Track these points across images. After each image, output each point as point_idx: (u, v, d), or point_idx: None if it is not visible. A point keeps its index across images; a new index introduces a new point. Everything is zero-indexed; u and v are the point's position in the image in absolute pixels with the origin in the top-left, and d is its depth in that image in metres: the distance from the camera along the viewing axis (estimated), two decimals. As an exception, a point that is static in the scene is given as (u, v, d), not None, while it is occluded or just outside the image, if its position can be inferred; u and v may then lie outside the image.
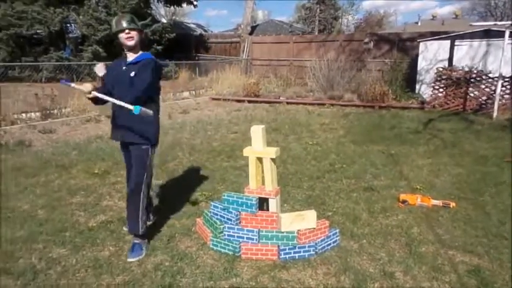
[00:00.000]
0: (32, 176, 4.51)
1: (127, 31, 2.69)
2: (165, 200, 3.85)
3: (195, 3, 20.03)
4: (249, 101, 11.10)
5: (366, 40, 14.19)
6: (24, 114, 8.01)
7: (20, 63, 12.74)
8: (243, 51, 17.25)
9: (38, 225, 3.24)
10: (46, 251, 2.83)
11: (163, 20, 22.95)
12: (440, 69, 9.91)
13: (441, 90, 9.80)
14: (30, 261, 2.69)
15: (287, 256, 2.73)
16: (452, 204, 3.61)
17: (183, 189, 4.15)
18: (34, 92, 8.66)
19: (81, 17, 15.28)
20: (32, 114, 8.13)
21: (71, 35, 16.95)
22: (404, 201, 3.67)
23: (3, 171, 4.71)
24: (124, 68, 2.76)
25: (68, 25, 16.53)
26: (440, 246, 2.91)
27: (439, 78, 9.85)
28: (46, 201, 3.78)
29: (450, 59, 10.37)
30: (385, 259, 2.75)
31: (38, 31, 14.91)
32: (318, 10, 27.89)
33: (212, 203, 3.07)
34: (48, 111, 8.15)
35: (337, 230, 3.00)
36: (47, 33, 14.88)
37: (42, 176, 4.51)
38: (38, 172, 4.66)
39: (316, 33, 23.97)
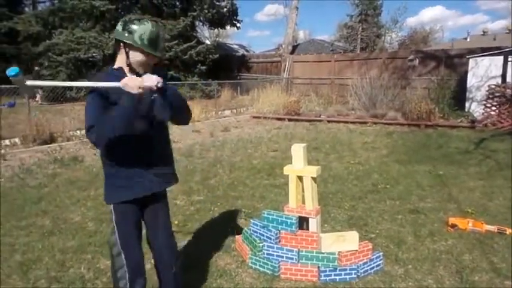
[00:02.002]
0: (83, 190, 4.79)
1: (156, 61, 1.94)
2: (205, 217, 3.91)
3: (238, 25, 20.70)
4: (290, 120, 11.13)
5: (411, 57, 13.82)
6: (78, 131, 8.58)
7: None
8: (284, 70, 17.44)
9: (87, 237, 3.41)
10: (94, 262, 2.97)
11: (208, 42, 23.85)
12: (493, 86, 9.40)
13: (494, 108, 9.26)
14: (80, 271, 2.83)
15: (327, 278, 2.66)
16: (509, 230, 3.34)
17: (222, 206, 4.20)
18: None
19: (132, 40, 16.34)
20: (85, 131, 8.70)
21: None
22: (454, 226, 3.46)
23: (58, 184, 5.05)
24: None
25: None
26: (495, 276, 2.69)
27: (491, 96, 9.33)
28: (95, 213, 3.98)
29: (503, 76, 9.80)
30: (433, 286, 2.59)
31: (93, 54, 16.15)
32: (360, 28, 27.68)
33: (252, 221, 3.08)
34: (99, 129, 8.67)
35: (381, 253, 2.88)
36: (102, 56, 16.05)
37: (92, 190, 4.77)
38: (88, 186, 4.94)
39: (358, 52, 23.72)
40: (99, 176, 5.41)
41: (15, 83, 1.75)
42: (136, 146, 1.91)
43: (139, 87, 1.71)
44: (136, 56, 1.86)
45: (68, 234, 3.48)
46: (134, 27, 1.82)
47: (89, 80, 1.98)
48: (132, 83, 1.71)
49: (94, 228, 3.60)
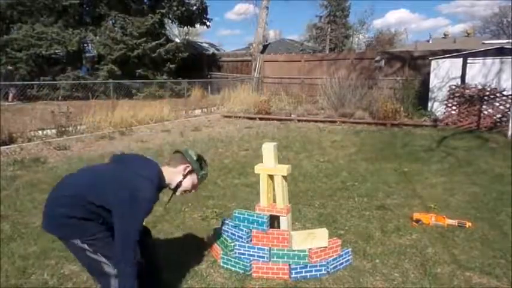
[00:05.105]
0: (46, 192, 4.54)
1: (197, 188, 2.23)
2: (175, 217, 3.85)
3: (207, 23, 20.50)
4: (260, 119, 11.17)
5: (377, 58, 14.26)
6: (40, 132, 8.21)
7: (38, 82, 13.14)
8: (255, 69, 17.47)
9: (50, 242, 3.26)
10: (58, 267, 2.84)
11: (177, 40, 23.51)
12: (453, 87, 9.85)
13: (454, 107, 9.71)
14: (43, 278, 2.71)
15: (298, 275, 2.69)
16: (468, 223, 3.52)
17: (193, 206, 4.15)
18: (51, 110, 8.89)
19: (97, 37, 15.80)
20: (48, 131, 8.32)
21: (87, 55, 17.50)
22: (418, 221, 3.60)
23: (19, 187, 4.80)
24: None
25: (85, 45, 17.10)
26: (456, 267, 2.82)
27: (452, 96, 9.78)
28: (59, 217, 3.81)
29: (463, 77, 10.30)
30: (399, 280, 2.68)
31: (56, 51, 15.46)
32: (329, 29, 28.21)
33: (223, 220, 3.06)
34: (63, 128, 8.34)
35: (350, 249, 2.95)
36: (65, 53, 15.41)
37: (56, 192, 4.56)
38: (51, 188, 4.71)
39: (327, 52, 24.18)
40: (62, 177, 5.18)
41: None
42: None
43: None
44: (190, 182, 2.11)
45: (29, 239, 3.31)
46: (205, 166, 2.18)
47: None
48: None
49: (58, 232, 3.45)
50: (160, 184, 2.00)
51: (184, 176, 2.07)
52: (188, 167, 2.07)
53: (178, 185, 2.07)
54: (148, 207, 1.90)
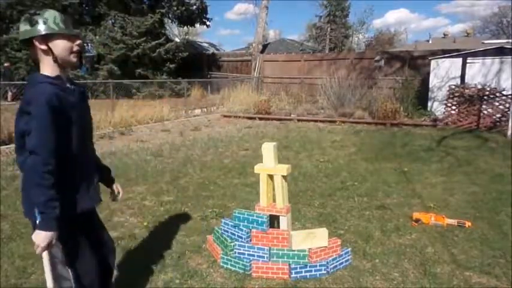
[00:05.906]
0: (46, 192, 4.57)
1: (79, 41, 1.75)
2: (175, 217, 3.85)
3: (207, 23, 20.52)
4: (260, 118, 11.17)
5: (377, 58, 14.26)
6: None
7: (37, 82, 13.14)
8: (255, 69, 17.47)
9: (50, 241, 3.26)
10: (58, 267, 2.84)
11: (177, 40, 23.51)
12: (453, 86, 9.86)
13: (454, 107, 9.71)
14: (43, 278, 2.68)
15: (298, 275, 2.69)
16: (468, 223, 3.52)
17: (193, 205, 4.16)
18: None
19: (97, 37, 15.82)
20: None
21: (87, 54, 17.51)
22: (417, 220, 3.60)
23: (18, 187, 4.80)
24: (81, 100, 1.79)
25: (85, 44, 17.09)
26: (456, 267, 2.83)
27: (451, 96, 9.78)
28: (59, 216, 3.81)
29: (462, 77, 10.31)
30: (399, 279, 2.68)
31: (55, 51, 15.44)
32: (329, 29, 28.20)
33: (223, 220, 3.07)
34: (63, 128, 8.33)
35: (349, 249, 2.95)
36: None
37: (56, 192, 4.56)
38: (52, 188, 4.71)
39: (327, 52, 24.19)
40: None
41: None
42: (85, 157, 1.89)
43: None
44: (59, 45, 1.66)
45: (29, 239, 3.27)
46: (43, 16, 1.63)
47: (28, 91, 1.65)
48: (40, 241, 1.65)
49: (58, 232, 3.45)
50: (53, 79, 1.66)
51: (49, 50, 1.65)
52: (36, 40, 1.63)
53: (57, 60, 1.67)
54: (54, 104, 1.59)
